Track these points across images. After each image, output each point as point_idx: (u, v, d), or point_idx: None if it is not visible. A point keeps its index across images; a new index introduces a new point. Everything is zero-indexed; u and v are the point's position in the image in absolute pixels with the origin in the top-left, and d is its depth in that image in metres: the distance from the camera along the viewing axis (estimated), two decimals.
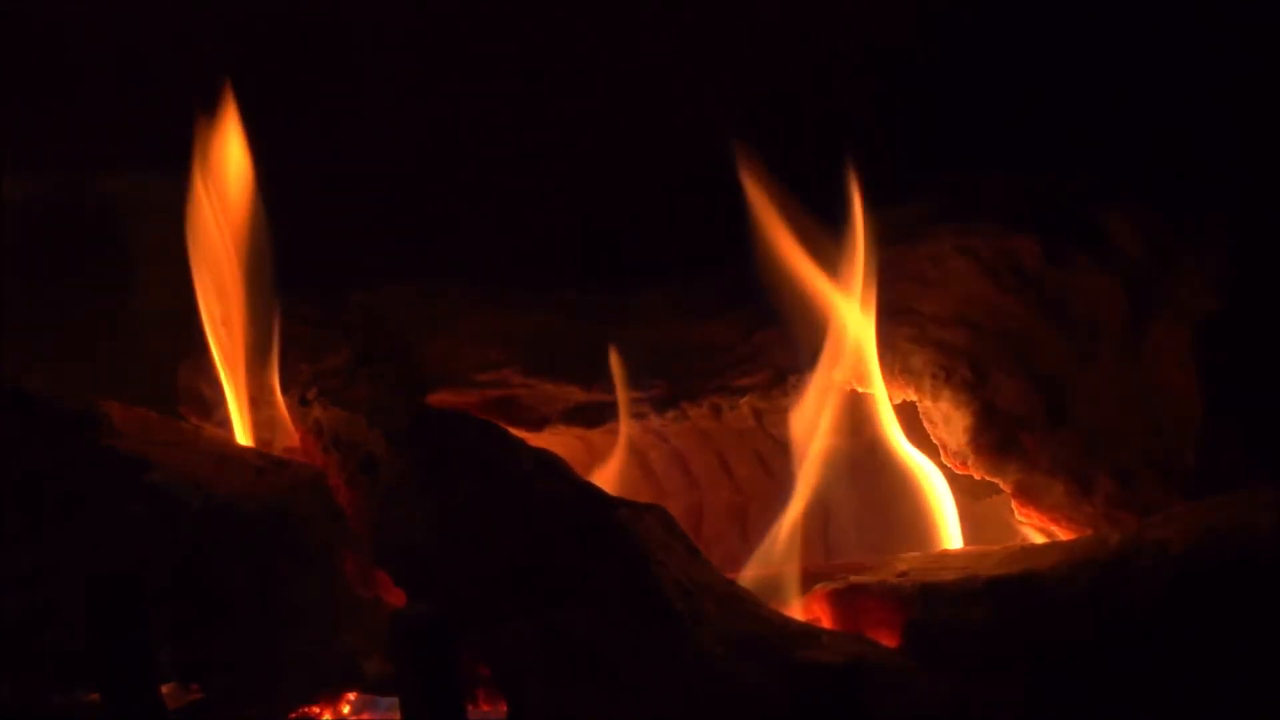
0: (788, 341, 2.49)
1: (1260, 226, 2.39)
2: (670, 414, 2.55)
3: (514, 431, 2.33)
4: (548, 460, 2.19)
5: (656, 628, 1.94)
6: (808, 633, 2.02)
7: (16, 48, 2.80)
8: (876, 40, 2.62)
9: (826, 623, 2.14)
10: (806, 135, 2.53)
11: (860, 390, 2.49)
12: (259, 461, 2.38)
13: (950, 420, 2.43)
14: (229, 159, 2.52)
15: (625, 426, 2.55)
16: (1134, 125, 2.53)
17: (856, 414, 2.61)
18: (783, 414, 2.56)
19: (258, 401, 2.54)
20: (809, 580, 2.23)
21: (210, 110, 2.51)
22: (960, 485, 2.52)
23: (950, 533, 2.41)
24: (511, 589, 2.03)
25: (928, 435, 2.49)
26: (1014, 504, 2.40)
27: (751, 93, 2.66)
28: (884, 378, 2.46)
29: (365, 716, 2.33)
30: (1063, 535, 2.35)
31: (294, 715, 2.27)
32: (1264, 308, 2.35)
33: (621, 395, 2.53)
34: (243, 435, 2.54)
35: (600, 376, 2.56)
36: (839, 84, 2.61)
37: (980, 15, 2.60)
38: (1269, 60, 2.50)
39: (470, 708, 2.07)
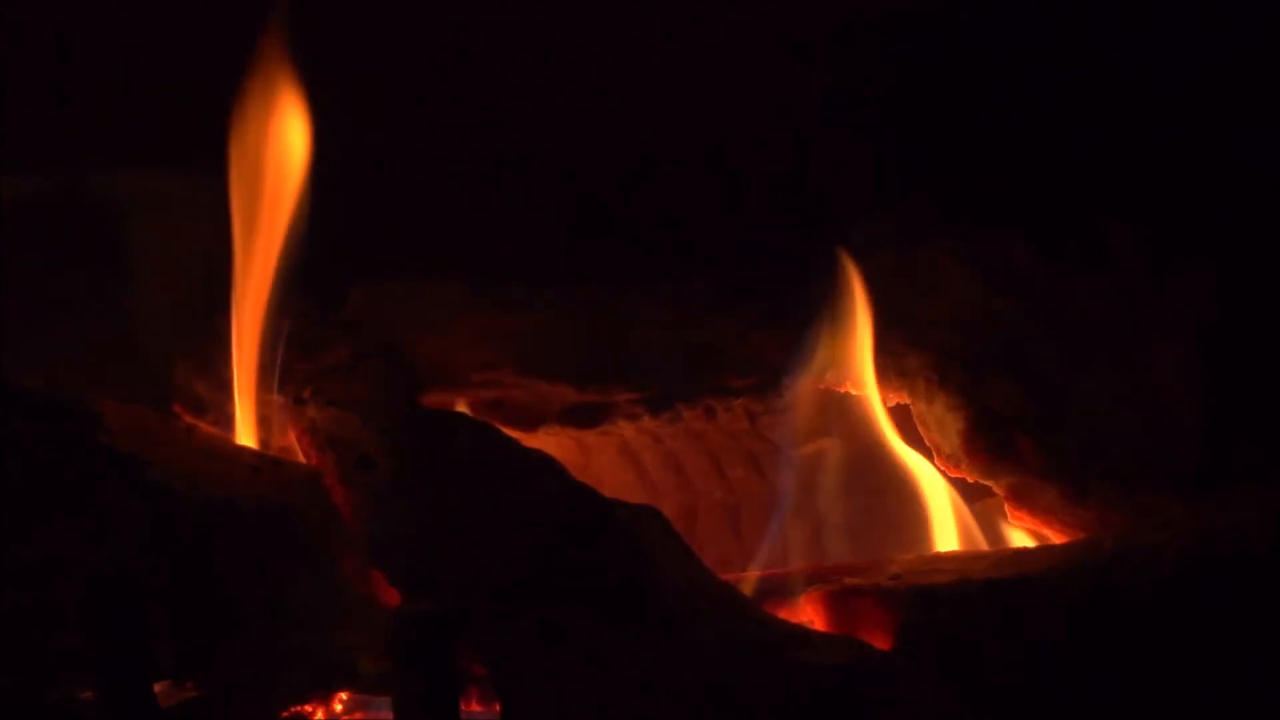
0: (784, 343, 2.50)
1: (1257, 231, 2.39)
2: (665, 415, 2.56)
3: (508, 431, 2.32)
4: (542, 461, 2.19)
5: (652, 629, 1.94)
6: (801, 635, 2.02)
7: (15, 46, 2.80)
8: (877, 45, 2.63)
9: (820, 625, 2.14)
10: (807, 140, 2.53)
11: (854, 393, 2.50)
12: (254, 460, 2.38)
13: (944, 423, 2.43)
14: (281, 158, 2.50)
15: None
16: (1131, 132, 2.53)
17: (850, 417, 2.62)
18: (776, 416, 2.56)
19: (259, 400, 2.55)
20: (803, 582, 2.23)
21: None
22: (954, 488, 2.53)
23: (947, 535, 2.42)
24: (507, 590, 2.03)
25: (920, 438, 2.49)
26: (1007, 507, 2.40)
27: (749, 93, 2.67)
28: (879, 380, 2.46)
29: (358, 715, 2.33)
30: (1056, 539, 2.36)
31: (287, 714, 2.27)
32: (1261, 312, 2.35)
33: None
34: (246, 435, 2.54)
35: (594, 377, 2.57)
36: (840, 88, 2.62)
37: (980, 22, 2.60)
38: (1267, 68, 2.51)
39: (463, 706, 2.07)
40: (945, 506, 2.43)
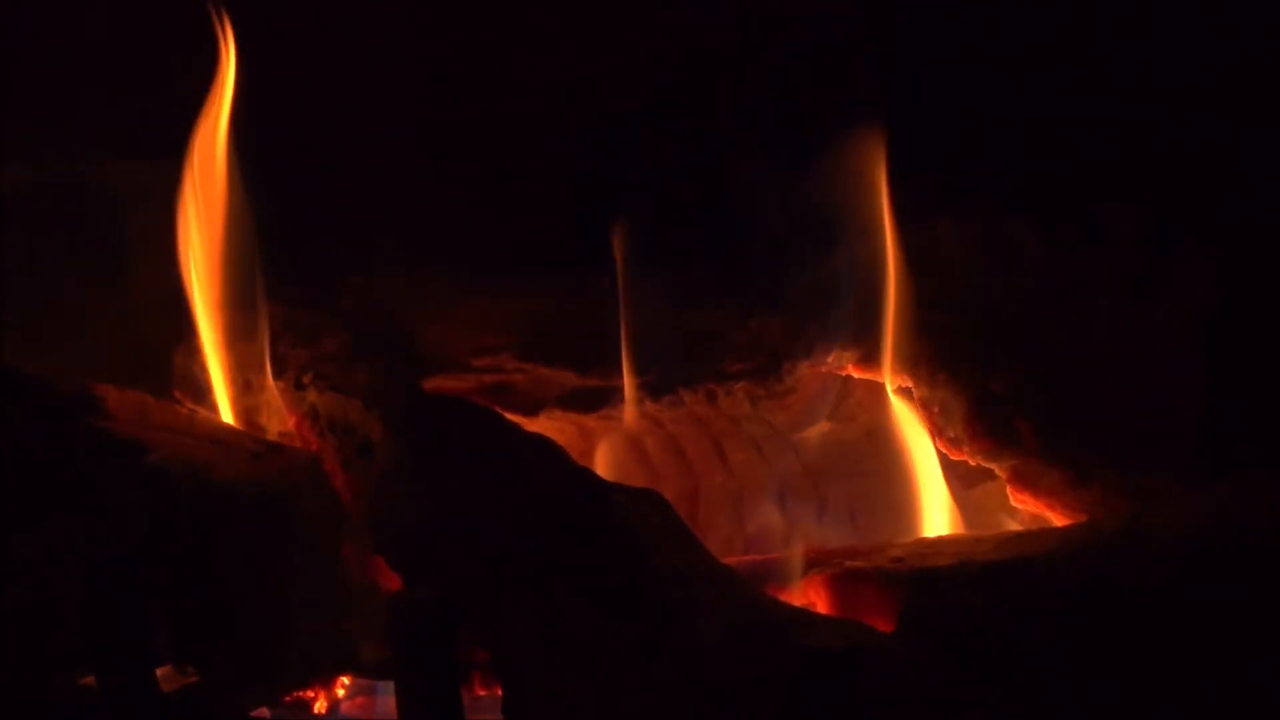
0: (787, 327, 2.50)
1: (1260, 213, 2.39)
2: (666, 399, 2.55)
3: (510, 416, 2.33)
4: (543, 445, 2.19)
5: (653, 614, 1.94)
6: (803, 619, 2.02)
7: (13, 40, 2.80)
8: (880, 28, 2.62)
9: (822, 608, 2.14)
10: (811, 121, 2.53)
11: (857, 376, 2.50)
12: (254, 446, 2.37)
13: (946, 406, 2.43)
14: (214, 144, 2.53)
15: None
16: (1131, 132, 2.52)
17: (852, 399, 2.62)
18: (778, 400, 2.57)
19: (250, 385, 2.55)
20: (805, 565, 2.23)
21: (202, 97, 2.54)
22: (955, 471, 2.53)
23: (936, 518, 2.42)
24: (507, 574, 2.03)
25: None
26: (1010, 490, 2.40)
27: (751, 78, 2.66)
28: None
29: (360, 700, 2.33)
30: (1059, 521, 2.36)
31: (288, 699, 2.27)
32: (1263, 295, 2.35)
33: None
34: (228, 417, 2.54)
35: (595, 362, 2.56)
36: (841, 73, 2.61)
37: (983, 8, 2.59)
38: (1268, 53, 2.50)
39: (465, 691, 2.08)
40: (938, 491, 2.43)
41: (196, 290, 2.54)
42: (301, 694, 2.29)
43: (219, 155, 2.54)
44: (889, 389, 2.47)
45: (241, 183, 2.53)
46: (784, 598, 2.15)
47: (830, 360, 2.50)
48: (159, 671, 2.07)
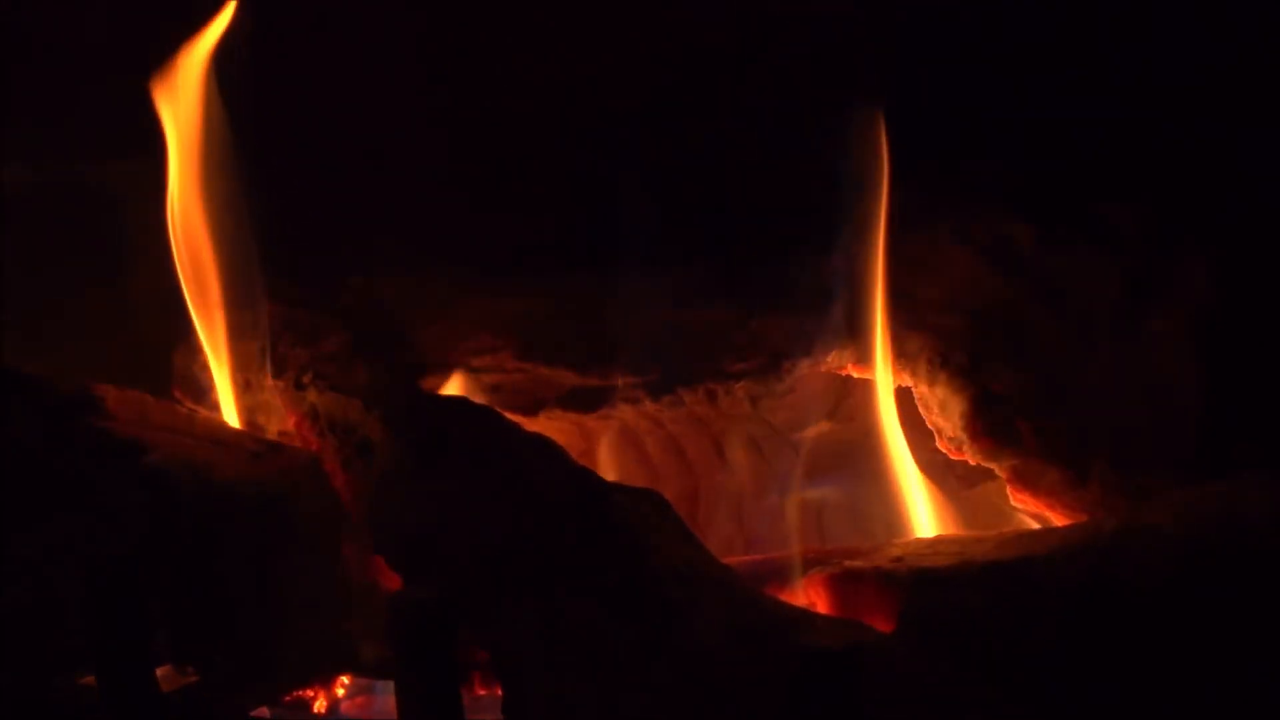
0: (788, 327, 2.50)
1: (1260, 213, 2.39)
2: (666, 399, 2.56)
3: (510, 416, 2.32)
4: (543, 445, 2.19)
5: (653, 614, 1.94)
6: (803, 618, 2.01)
7: (13, 40, 2.80)
8: (880, 28, 2.62)
9: (822, 608, 2.14)
10: (811, 121, 2.53)
11: (857, 375, 2.50)
12: (254, 446, 2.38)
13: (946, 406, 2.43)
14: (205, 140, 2.53)
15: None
16: (1131, 132, 2.52)
17: (852, 399, 2.62)
18: (778, 399, 2.57)
19: (250, 385, 2.55)
20: (805, 565, 2.23)
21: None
22: (955, 471, 2.53)
23: (920, 517, 2.42)
24: (507, 575, 2.02)
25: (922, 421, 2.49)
26: (1009, 489, 2.40)
27: (751, 78, 2.66)
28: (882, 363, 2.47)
29: (360, 700, 2.33)
30: (1059, 521, 2.36)
31: (288, 699, 2.27)
32: (1263, 295, 2.35)
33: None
34: (231, 417, 2.54)
35: (595, 362, 2.56)
36: (841, 73, 2.61)
37: (983, 8, 2.59)
38: (1268, 53, 2.50)
39: (465, 691, 2.07)
40: (919, 490, 2.43)
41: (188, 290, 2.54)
42: (301, 694, 2.29)
43: (196, 77, 2.53)
44: (878, 388, 2.47)
45: (239, 174, 2.53)
46: (784, 598, 2.15)
47: (831, 359, 2.51)
48: (159, 671, 2.07)
